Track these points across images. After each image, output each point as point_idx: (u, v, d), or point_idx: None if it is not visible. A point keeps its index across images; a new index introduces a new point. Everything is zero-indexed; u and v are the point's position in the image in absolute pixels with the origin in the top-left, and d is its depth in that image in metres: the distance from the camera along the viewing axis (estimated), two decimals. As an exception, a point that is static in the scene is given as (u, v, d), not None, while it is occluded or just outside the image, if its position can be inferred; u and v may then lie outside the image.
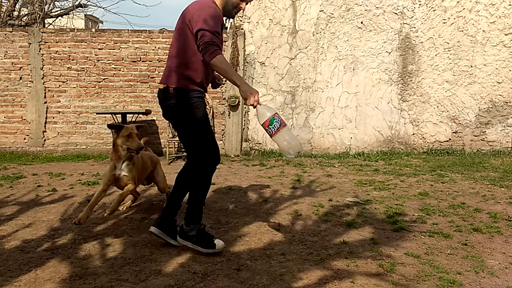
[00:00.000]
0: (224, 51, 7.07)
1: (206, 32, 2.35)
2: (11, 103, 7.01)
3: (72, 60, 6.99)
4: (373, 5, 6.95)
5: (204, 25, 2.37)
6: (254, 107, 2.31)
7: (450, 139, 7.17)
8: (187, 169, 2.74)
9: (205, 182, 2.65)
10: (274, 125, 2.19)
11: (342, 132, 7.18)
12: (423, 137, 7.18)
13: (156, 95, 2.96)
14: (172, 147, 6.93)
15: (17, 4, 10.70)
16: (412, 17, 6.97)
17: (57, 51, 6.99)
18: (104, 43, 6.99)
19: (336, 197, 4.16)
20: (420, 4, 6.94)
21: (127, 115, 6.58)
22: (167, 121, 6.86)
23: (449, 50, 7.00)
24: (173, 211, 2.76)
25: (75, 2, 10.92)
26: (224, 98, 7.09)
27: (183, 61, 2.50)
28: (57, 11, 11.35)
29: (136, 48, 7.00)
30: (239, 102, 7.00)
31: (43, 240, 2.91)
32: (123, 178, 3.09)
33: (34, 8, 10.44)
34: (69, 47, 6.98)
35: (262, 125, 2.30)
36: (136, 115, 6.86)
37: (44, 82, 6.99)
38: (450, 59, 7.01)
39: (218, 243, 2.66)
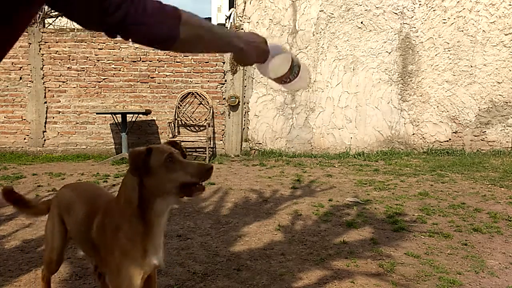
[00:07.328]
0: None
1: None
2: (11, 103, 7.01)
3: (72, 60, 6.99)
4: (373, 5, 6.95)
5: None
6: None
7: (450, 139, 7.16)
8: None
9: None
10: (295, 70, 1.49)
11: (342, 132, 7.18)
12: (423, 137, 7.17)
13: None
14: (172, 147, 6.91)
15: (17, 4, 10.73)
16: (412, 17, 6.97)
17: (57, 51, 6.98)
18: (104, 43, 6.99)
19: (336, 197, 4.16)
20: (420, 4, 6.94)
21: (127, 115, 6.58)
22: (168, 121, 6.91)
23: (449, 50, 6.99)
24: None
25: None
26: (224, 98, 7.09)
27: None
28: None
29: (136, 48, 6.99)
30: (239, 102, 7.00)
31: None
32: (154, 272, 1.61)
33: (34, 8, 10.47)
34: (69, 47, 6.97)
35: (278, 78, 1.46)
36: (136, 115, 6.85)
37: (44, 82, 6.98)
38: (450, 59, 7.01)
39: None
